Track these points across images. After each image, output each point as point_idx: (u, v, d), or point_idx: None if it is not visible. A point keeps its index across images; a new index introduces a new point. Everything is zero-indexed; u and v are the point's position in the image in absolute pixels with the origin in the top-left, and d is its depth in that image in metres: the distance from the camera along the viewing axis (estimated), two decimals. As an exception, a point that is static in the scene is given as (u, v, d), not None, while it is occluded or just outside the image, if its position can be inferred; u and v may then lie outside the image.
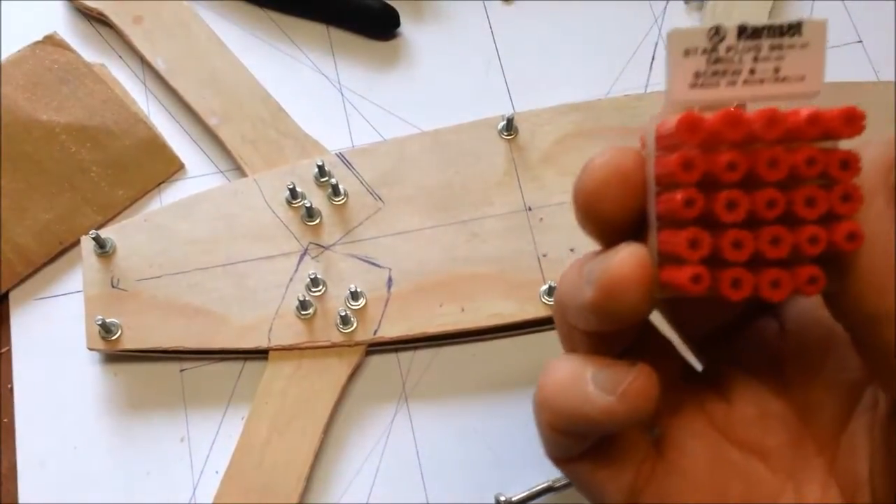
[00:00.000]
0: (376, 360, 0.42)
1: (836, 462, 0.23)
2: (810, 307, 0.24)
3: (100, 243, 0.41)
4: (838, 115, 0.19)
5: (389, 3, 0.48)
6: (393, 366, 0.42)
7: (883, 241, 0.19)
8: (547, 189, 0.43)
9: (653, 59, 0.49)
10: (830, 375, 0.23)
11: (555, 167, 0.44)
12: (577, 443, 0.23)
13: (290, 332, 0.40)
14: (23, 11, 0.49)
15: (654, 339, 0.26)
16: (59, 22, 0.48)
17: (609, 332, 0.22)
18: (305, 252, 0.42)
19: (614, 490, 0.24)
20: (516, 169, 0.44)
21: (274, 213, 0.43)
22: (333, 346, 0.40)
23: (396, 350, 0.42)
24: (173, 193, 0.45)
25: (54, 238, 0.43)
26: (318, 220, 0.42)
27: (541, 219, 0.43)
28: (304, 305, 0.40)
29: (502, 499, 0.38)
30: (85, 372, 0.41)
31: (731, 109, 0.19)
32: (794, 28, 0.20)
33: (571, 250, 0.42)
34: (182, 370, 0.41)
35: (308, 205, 0.42)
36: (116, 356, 0.41)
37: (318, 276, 0.41)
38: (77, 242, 0.43)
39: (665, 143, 0.20)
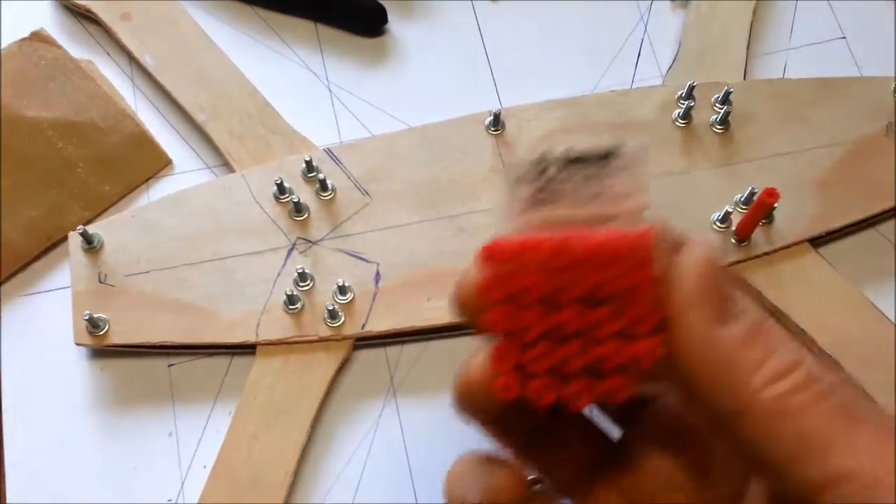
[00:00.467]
0: (364, 355, 0.42)
1: None
2: None
3: (87, 239, 0.41)
4: (631, 239, 0.20)
5: (377, 0, 0.48)
6: (381, 360, 0.42)
7: (704, 342, 0.20)
8: (534, 184, 0.43)
9: (638, 55, 0.49)
10: (725, 447, 0.23)
11: (542, 162, 0.44)
12: None
13: (277, 326, 0.40)
14: (9, 7, 0.49)
15: (574, 417, 0.27)
16: (47, 18, 0.48)
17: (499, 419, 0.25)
18: (293, 247, 0.42)
19: None
20: (503, 164, 0.44)
21: (262, 208, 0.43)
22: (321, 340, 0.40)
23: (384, 344, 0.42)
24: (161, 189, 0.45)
25: (42, 234, 0.43)
26: (305, 216, 0.43)
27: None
28: (291, 300, 0.40)
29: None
30: (72, 367, 0.41)
31: (532, 236, 0.20)
32: (614, 153, 0.21)
33: (558, 244, 0.42)
34: (170, 365, 0.41)
35: (296, 200, 0.42)
36: (104, 351, 0.41)
37: (306, 271, 0.41)
38: (64, 238, 0.43)
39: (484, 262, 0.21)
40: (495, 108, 0.44)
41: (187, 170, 0.46)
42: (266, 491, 0.38)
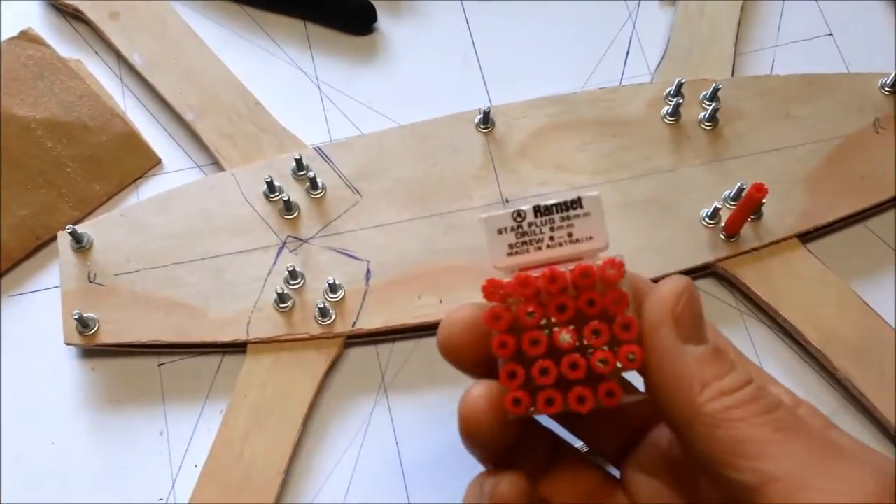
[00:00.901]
0: (355, 353, 0.42)
1: None
2: None
3: (76, 238, 0.41)
4: (603, 266, 0.24)
5: (366, -2, 0.49)
6: (372, 358, 0.42)
7: (667, 359, 0.24)
8: (524, 181, 0.44)
9: (627, 53, 0.49)
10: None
11: (531, 160, 0.44)
12: None
13: (268, 324, 0.40)
14: (-3, 7, 0.49)
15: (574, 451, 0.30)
16: (35, 18, 0.48)
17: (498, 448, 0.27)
18: (284, 245, 0.42)
19: None
20: (493, 162, 0.44)
21: (252, 206, 0.43)
22: (312, 338, 0.40)
23: (375, 342, 0.42)
24: (150, 188, 0.45)
25: (30, 234, 0.43)
26: (296, 214, 0.43)
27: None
28: (282, 298, 0.40)
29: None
30: (62, 367, 0.41)
31: (524, 273, 0.24)
32: (576, 203, 0.25)
33: (548, 241, 0.42)
34: (160, 364, 0.41)
35: (286, 198, 0.42)
36: (94, 351, 0.41)
37: (297, 269, 0.41)
38: (53, 238, 0.43)
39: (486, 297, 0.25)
40: (485, 105, 0.44)
41: (177, 169, 0.46)
42: (258, 489, 0.37)
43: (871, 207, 0.44)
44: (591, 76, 0.48)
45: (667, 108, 0.45)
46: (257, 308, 0.40)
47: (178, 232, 0.42)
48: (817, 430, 0.24)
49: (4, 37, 0.46)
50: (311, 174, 0.43)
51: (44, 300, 0.42)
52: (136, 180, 0.45)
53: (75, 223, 0.41)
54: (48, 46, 0.46)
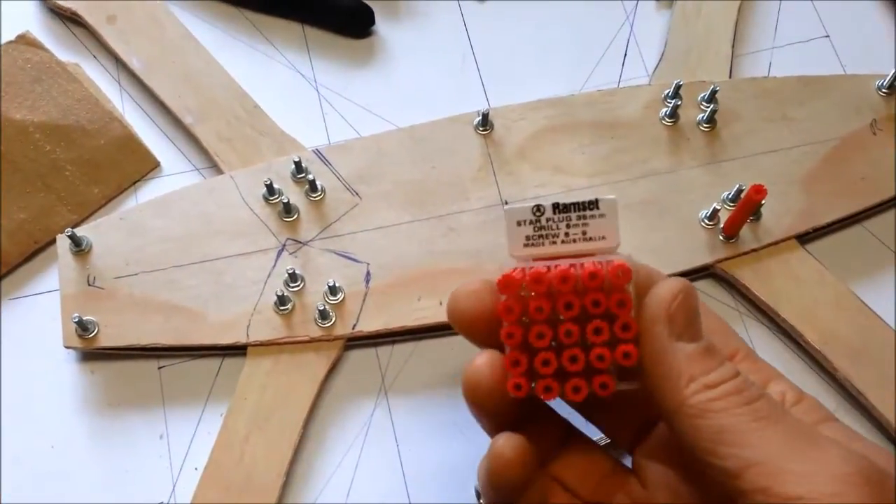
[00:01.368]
0: (355, 355, 0.42)
1: None
2: None
3: (76, 241, 0.41)
4: (612, 270, 0.26)
5: (365, 1, 0.49)
6: (372, 360, 0.42)
7: (658, 353, 0.26)
8: (522, 183, 0.44)
9: (625, 55, 0.49)
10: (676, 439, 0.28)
11: (530, 162, 0.44)
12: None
13: (268, 327, 0.40)
14: (-6, 11, 0.49)
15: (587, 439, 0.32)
16: (33, 21, 0.48)
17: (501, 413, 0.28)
18: (283, 248, 0.42)
19: None
20: (492, 164, 0.44)
21: (251, 209, 0.43)
22: (312, 340, 0.40)
23: (375, 344, 0.42)
24: (149, 191, 0.45)
25: (28, 237, 0.43)
26: (295, 216, 0.43)
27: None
28: (282, 301, 0.40)
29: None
30: (61, 370, 0.41)
31: (537, 270, 0.26)
32: (593, 204, 0.27)
33: (547, 243, 0.42)
34: (160, 367, 0.41)
35: (285, 201, 0.42)
36: (93, 354, 0.41)
37: (297, 272, 0.41)
38: (52, 242, 0.43)
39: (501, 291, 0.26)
40: (483, 108, 0.45)
41: (175, 172, 0.46)
42: (258, 492, 0.37)
43: (868, 208, 0.44)
44: (589, 78, 0.49)
45: (665, 109, 0.45)
46: (257, 311, 0.40)
47: (177, 235, 0.42)
48: (797, 419, 0.25)
49: (3, 41, 0.46)
50: (310, 177, 0.43)
51: (42, 304, 0.42)
52: (134, 183, 0.45)
53: (74, 227, 0.41)
54: (46, 50, 0.46)
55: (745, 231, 0.42)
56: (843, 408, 0.41)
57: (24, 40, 0.46)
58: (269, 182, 0.42)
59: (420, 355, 0.42)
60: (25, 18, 0.48)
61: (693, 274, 0.43)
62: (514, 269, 0.26)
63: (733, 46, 0.48)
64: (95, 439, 0.40)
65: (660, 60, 0.48)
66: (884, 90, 0.46)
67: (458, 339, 0.41)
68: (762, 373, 0.29)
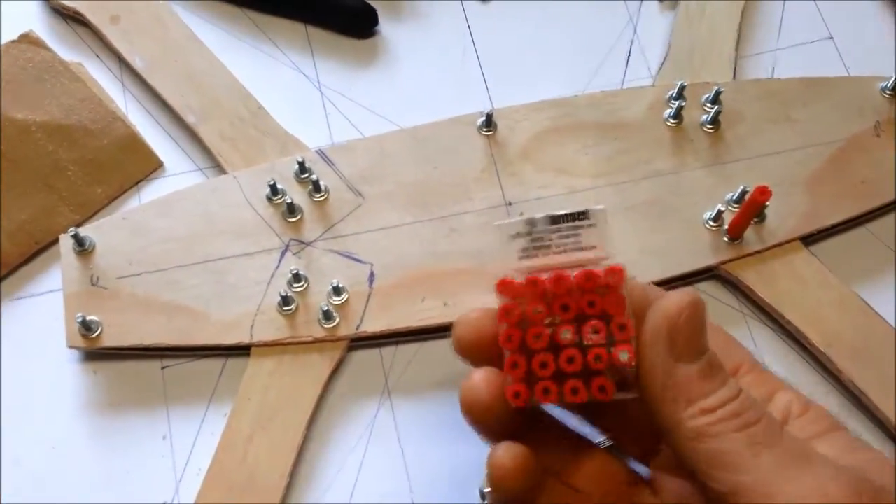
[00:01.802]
0: (359, 356, 0.42)
1: None
2: None
3: (79, 241, 0.41)
4: (606, 272, 0.26)
5: (368, 1, 0.48)
6: (375, 361, 0.42)
7: (658, 372, 0.26)
8: (526, 184, 0.44)
9: (628, 56, 0.49)
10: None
11: (533, 163, 0.44)
12: None
13: (272, 328, 0.40)
14: (-3, 10, 0.48)
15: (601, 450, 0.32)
16: (36, 20, 0.48)
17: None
18: (287, 248, 0.42)
19: None
20: (495, 164, 0.44)
21: (254, 209, 0.43)
22: (316, 341, 0.40)
23: (379, 345, 0.42)
24: (152, 191, 0.45)
25: (29, 238, 0.43)
26: (298, 217, 0.42)
27: (521, 213, 0.43)
28: (285, 301, 0.40)
29: (486, 491, 0.38)
30: (64, 370, 0.41)
31: (532, 275, 0.27)
32: (584, 215, 0.27)
33: (551, 244, 0.42)
34: (163, 367, 0.41)
35: (289, 201, 0.42)
36: (96, 354, 0.41)
37: (300, 272, 0.41)
38: (54, 242, 0.43)
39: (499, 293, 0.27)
40: (486, 108, 0.44)
41: (178, 172, 0.46)
42: (262, 492, 0.37)
43: (872, 210, 0.44)
44: (593, 79, 0.49)
45: (669, 111, 0.45)
46: (260, 311, 0.40)
47: (180, 235, 0.42)
48: (793, 439, 0.26)
49: (4, 40, 0.46)
50: (313, 177, 0.42)
51: (44, 304, 0.42)
52: (137, 183, 0.45)
53: (76, 227, 0.41)
54: (49, 49, 0.46)
55: (750, 233, 0.42)
56: (847, 409, 0.41)
57: (28, 39, 0.46)
58: (272, 182, 0.42)
59: (424, 356, 0.42)
60: (28, 18, 0.48)
61: (697, 276, 0.43)
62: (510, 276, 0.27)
63: (737, 48, 0.48)
64: (98, 440, 0.40)
65: (663, 61, 0.48)
66: (887, 92, 0.46)
67: (462, 339, 0.42)
68: (767, 385, 0.29)
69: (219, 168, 0.45)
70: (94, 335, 0.39)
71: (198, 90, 0.46)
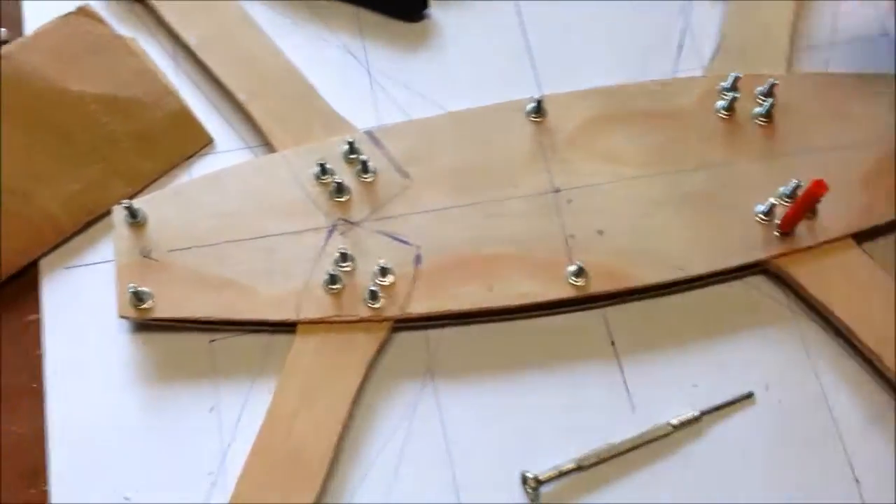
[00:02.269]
0: (403, 337, 0.42)
1: None
2: None
3: (132, 213, 0.41)
4: None
5: (420, -16, 0.48)
6: (419, 343, 0.42)
7: None
8: (576, 171, 0.43)
9: (680, 45, 0.49)
10: None
11: (581, 150, 0.44)
12: None
13: (318, 305, 0.40)
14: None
15: None
16: (91, -4, 0.48)
17: None
18: (334, 228, 0.42)
19: None
20: (544, 151, 0.44)
21: (303, 188, 0.43)
22: (361, 321, 0.40)
23: (423, 327, 0.42)
24: (202, 167, 0.45)
25: (83, 208, 0.43)
26: (347, 197, 0.43)
27: (569, 200, 0.43)
28: (332, 280, 0.40)
29: (529, 475, 0.38)
30: (113, 340, 0.41)
31: None
32: None
33: (599, 232, 0.42)
34: (211, 341, 0.41)
35: (338, 181, 0.42)
36: (145, 326, 0.41)
37: (347, 252, 0.41)
38: (106, 213, 0.43)
39: None
40: (535, 94, 0.44)
41: (228, 149, 0.46)
42: (306, 469, 0.38)
43: (927, 209, 0.43)
44: (643, 68, 0.48)
45: (721, 102, 0.44)
46: (307, 289, 0.41)
47: (230, 211, 0.42)
48: None
49: (62, 12, 0.47)
50: (362, 157, 0.43)
51: (95, 274, 0.43)
52: (188, 159, 0.45)
53: (128, 199, 0.42)
54: (105, 23, 0.47)
55: (801, 228, 0.42)
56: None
57: (84, 13, 0.47)
58: (322, 162, 0.42)
59: (469, 340, 0.42)
60: (84, -9, 0.48)
61: (746, 269, 0.42)
62: None
63: (791, 40, 0.47)
64: (146, 410, 0.40)
65: (716, 52, 0.48)
66: (946, 90, 0.45)
67: (506, 325, 0.42)
68: None
69: (268, 146, 0.45)
70: (145, 306, 0.40)
71: (250, 69, 0.46)
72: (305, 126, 0.45)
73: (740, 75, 0.44)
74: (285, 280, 0.41)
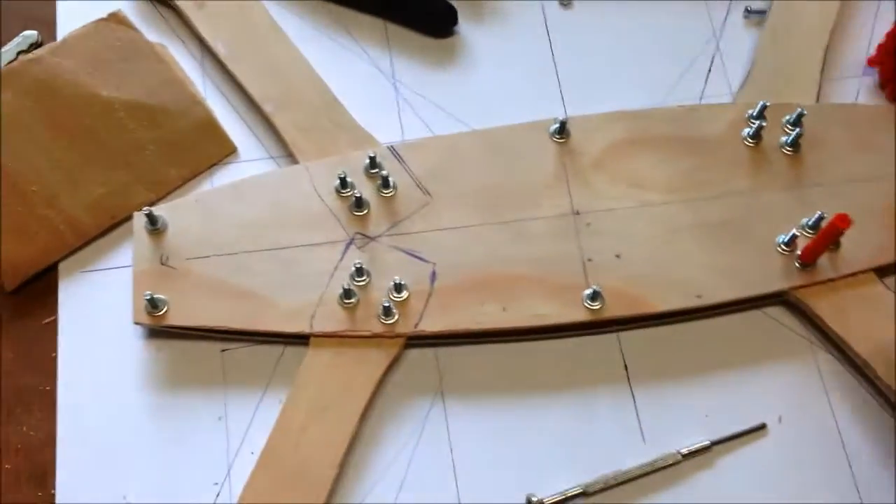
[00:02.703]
0: (415, 354, 0.42)
1: None
2: None
3: (152, 220, 0.41)
4: None
5: (449, 1, 0.48)
6: (431, 360, 0.42)
7: None
8: (597, 194, 0.43)
9: (709, 71, 0.48)
10: None
11: (605, 173, 0.44)
12: None
13: (332, 319, 0.40)
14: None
15: None
16: (123, 1, 0.49)
17: None
18: (351, 242, 0.42)
19: None
20: (567, 173, 0.44)
21: (322, 200, 0.43)
22: (374, 336, 0.40)
23: (435, 345, 0.42)
24: (224, 176, 0.46)
25: (106, 212, 0.44)
26: (366, 211, 0.43)
27: (588, 223, 0.42)
28: (347, 294, 0.40)
29: (534, 499, 0.38)
30: (127, 346, 0.42)
31: None
32: None
33: (617, 256, 0.42)
34: (223, 350, 0.42)
35: (358, 195, 0.42)
36: (159, 332, 0.42)
37: (363, 267, 0.41)
38: (128, 218, 0.44)
39: None
40: (560, 115, 0.44)
41: (252, 159, 0.46)
42: (312, 481, 0.38)
43: (954, 246, 0.42)
44: (671, 92, 0.48)
45: (748, 129, 0.44)
46: (322, 302, 0.41)
47: (250, 221, 0.42)
48: None
49: (93, 18, 0.47)
50: (383, 172, 0.43)
51: (114, 279, 0.43)
52: (211, 167, 0.46)
53: (150, 205, 0.42)
54: (136, 30, 0.47)
55: (823, 259, 0.41)
56: (913, 450, 0.40)
57: (116, 18, 0.47)
58: (343, 175, 0.42)
59: (480, 359, 0.42)
60: (117, -3, 0.49)
61: (764, 299, 0.42)
62: None
63: (822, 70, 0.47)
64: (155, 416, 0.40)
65: (746, 79, 0.47)
66: (979, 125, 0.44)
67: (519, 345, 0.41)
68: None
69: (291, 157, 0.45)
70: (160, 313, 0.40)
71: (276, 79, 0.46)
72: (329, 139, 0.45)
73: (768, 103, 0.44)
74: (301, 292, 0.41)
